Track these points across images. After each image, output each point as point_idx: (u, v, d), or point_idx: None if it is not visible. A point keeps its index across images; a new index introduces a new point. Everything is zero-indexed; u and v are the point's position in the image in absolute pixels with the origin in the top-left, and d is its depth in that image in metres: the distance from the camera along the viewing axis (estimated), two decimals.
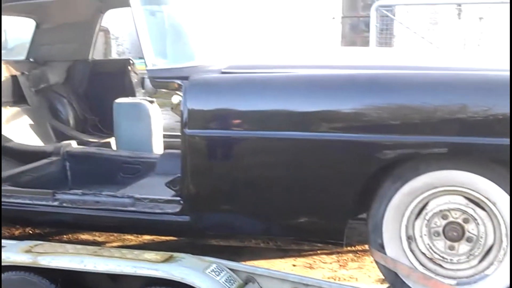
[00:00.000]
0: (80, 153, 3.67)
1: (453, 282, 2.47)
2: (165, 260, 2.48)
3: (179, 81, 2.75)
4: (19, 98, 4.02)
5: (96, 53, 8.45)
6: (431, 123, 2.37)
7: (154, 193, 2.94)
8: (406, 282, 2.50)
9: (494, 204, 2.38)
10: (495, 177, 2.35)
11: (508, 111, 2.27)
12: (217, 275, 2.44)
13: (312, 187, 2.56)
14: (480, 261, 2.45)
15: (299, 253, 3.36)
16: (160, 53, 2.93)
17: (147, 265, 2.43)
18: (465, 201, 2.43)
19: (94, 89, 4.34)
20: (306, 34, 9.63)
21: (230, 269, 2.52)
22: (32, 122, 3.99)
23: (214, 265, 2.49)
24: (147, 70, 2.86)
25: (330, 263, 3.30)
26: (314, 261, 3.32)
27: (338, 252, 3.40)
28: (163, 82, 2.88)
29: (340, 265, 3.29)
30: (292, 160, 2.56)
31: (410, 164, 2.44)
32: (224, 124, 2.64)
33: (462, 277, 2.47)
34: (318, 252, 3.39)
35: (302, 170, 2.56)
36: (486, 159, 2.37)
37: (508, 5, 6.30)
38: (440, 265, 2.49)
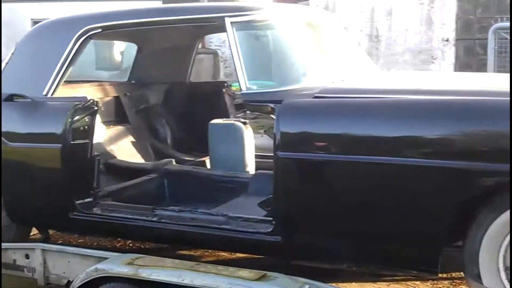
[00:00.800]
0: (178, 171, 3.83)
1: None
2: (259, 279, 2.52)
3: (272, 105, 2.83)
4: (121, 118, 4.25)
5: (205, 75, 8.79)
6: None
7: (247, 212, 3.03)
8: None
9: None
10: None
11: None
12: None
13: (405, 214, 2.54)
14: None
15: (392, 278, 3.29)
16: (254, 77, 3.03)
17: (241, 282, 2.48)
18: None
19: (190, 110, 4.51)
20: (418, 57, 9.43)
21: None
22: (133, 140, 4.22)
23: (307, 286, 2.51)
24: (241, 93, 2.97)
25: None
26: None
27: (433, 279, 3.29)
28: (257, 106, 2.98)
29: None
30: (385, 185, 2.56)
31: (508, 193, 2.36)
32: (315, 148, 2.67)
33: None
34: (412, 277, 3.31)
35: (395, 196, 2.55)
36: None
37: None
38: None
